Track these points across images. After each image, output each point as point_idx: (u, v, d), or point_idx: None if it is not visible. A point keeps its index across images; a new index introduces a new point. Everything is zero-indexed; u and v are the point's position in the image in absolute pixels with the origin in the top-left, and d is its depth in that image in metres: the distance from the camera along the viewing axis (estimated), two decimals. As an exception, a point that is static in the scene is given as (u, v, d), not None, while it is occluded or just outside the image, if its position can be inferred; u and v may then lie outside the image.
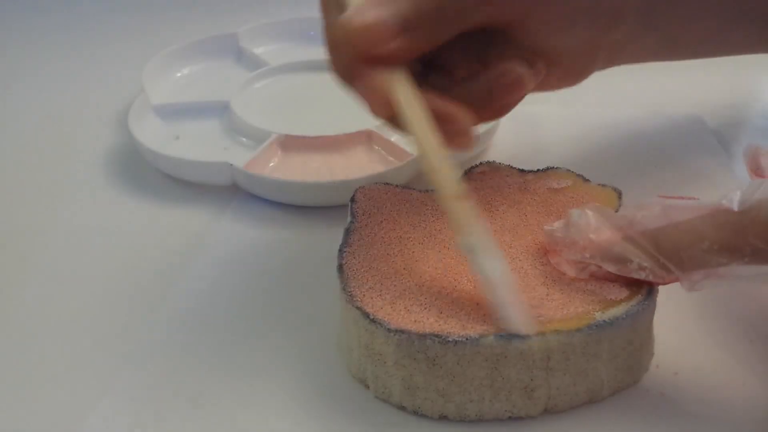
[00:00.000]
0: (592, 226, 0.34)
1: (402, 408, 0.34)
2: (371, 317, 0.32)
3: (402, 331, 0.32)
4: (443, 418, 0.33)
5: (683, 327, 0.37)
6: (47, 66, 0.65)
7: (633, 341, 0.33)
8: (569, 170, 0.42)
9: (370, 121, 0.50)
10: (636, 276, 0.32)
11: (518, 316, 0.32)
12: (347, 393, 0.34)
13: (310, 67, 0.59)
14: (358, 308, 0.33)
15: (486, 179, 0.41)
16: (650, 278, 0.32)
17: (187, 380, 0.35)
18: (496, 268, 0.32)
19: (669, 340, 0.36)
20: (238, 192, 0.47)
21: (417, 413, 0.33)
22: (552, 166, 0.42)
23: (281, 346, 0.37)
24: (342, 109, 0.55)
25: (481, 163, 0.43)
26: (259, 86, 0.57)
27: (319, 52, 0.60)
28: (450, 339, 0.31)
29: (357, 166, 0.49)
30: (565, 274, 0.35)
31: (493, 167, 0.42)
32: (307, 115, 0.55)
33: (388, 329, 0.32)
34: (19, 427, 0.33)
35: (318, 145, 0.50)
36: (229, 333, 0.38)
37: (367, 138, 0.51)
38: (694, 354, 0.36)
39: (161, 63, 0.58)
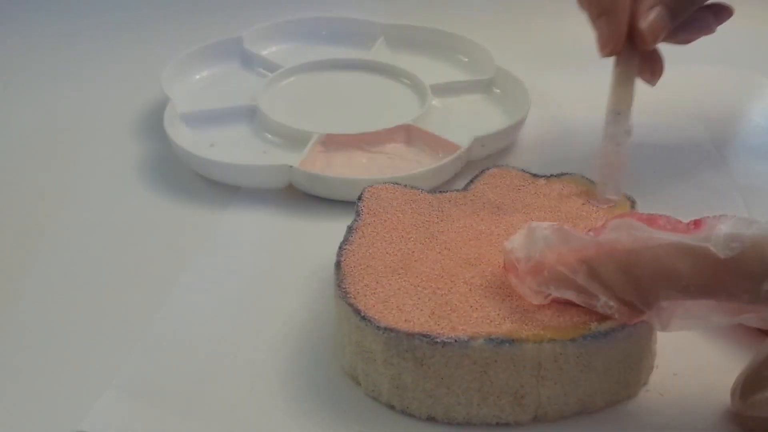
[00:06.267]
0: (555, 251, 0.32)
1: (391, 407, 0.34)
2: (362, 314, 0.33)
3: (391, 330, 0.32)
4: (431, 419, 0.33)
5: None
6: (53, 73, 0.65)
7: (630, 355, 0.33)
8: (584, 177, 0.41)
9: (405, 116, 0.52)
10: (601, 311, 0.32)
11: (615, 182, 0.38)
12: (338, 390, 0.35)
13: (327, 66, 0.60)
14: (349, 305, 0.33)
15: (496, 182, 0.42)
16: (616, 316, 0.32)
17: (185, 374, 0.36)
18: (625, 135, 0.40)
19: (669, 340, 0.36)
20: (238, 191, 0.48)
21: (405, 413, 0.34)
22: (567, 171, 0.42)
23: (279, 342, 0.37)
24: (372, 106, 0.56)
25: (494, 166, 0.43)
26: (280, 88, 0.58)
27: (331, 52, 0.62)
28: (438, 340, 0.31)
29: (402, 159, 0.50)
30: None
31: (505, 170, 0.42)
32: (338, 113, 0.56)
33: (378, 327, 0.32)
34: (21, 419, 0.34)
35: (358, 141, 0.51)
36: (231, 328, 0.38)
37: (405, 132, 0.52)
38: (694, 354, 0.36)
39: (177, 70, 0.58)
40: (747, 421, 0.32)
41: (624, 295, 0.31)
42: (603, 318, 0.32)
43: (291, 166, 0.47)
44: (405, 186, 0.41)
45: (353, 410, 0.34)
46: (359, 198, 0.40)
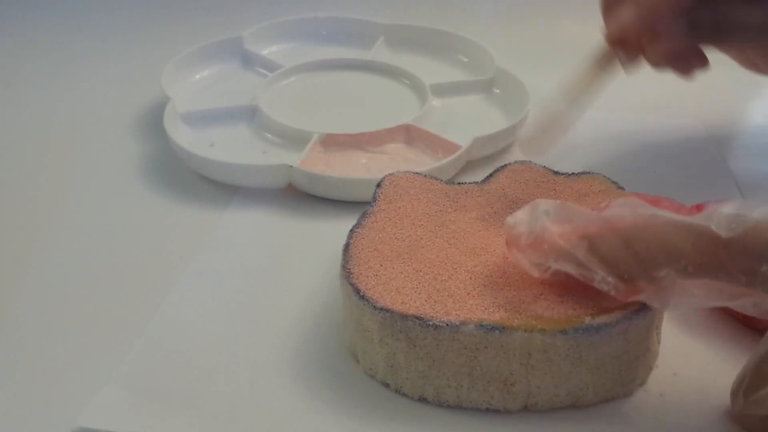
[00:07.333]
0: (558, 225, 0.32)
1: (386, 385, 0.35)
2: (361, 294, 0.34)
3: (386, 310, 0.33)
4: (423, 400, 0.34)
5: (683, 327, 0.38)
6: (53, 73, 0.65)
7: (627, 352, 0.33)
8: (605, 177, 0.41)
9: (405, 116, 0.52)
10: (598, 287, 0.31)
11: (540, 141, 0.35)
12: (338, 366, 0.36)
13: (327, 66, 0.60)
14: (351, 285, 0.34)
15: (516, 177, 0.42)
16: (612, 293, 0.31)
17: (183, 370, 0.36)
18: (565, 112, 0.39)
19: (669, 340, 0.36)
20: (238, 191, 0.48)
21: (399, 392, 0.35)
22: (587, 170, 0.42)
23: (279, 341, 0.38)
24: (372, 106, 0.56)
25: (515, 161, 0.43)
26: (280, 88, 0.58)
27: (331, 52, 0.62)
28: (430, 322, 0.32)
29: (402, 159, 0.50)
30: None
31: (527, 166, 0.43)
32: (338, 113, 0.56)
33: (374, 307, 0.33)
34: (21, 415, 0.34)
35: (358, 141, 0.51)
36: (230, 326, 0.39)
37: (405, 132, 0.52)
38: (694, 354, 0.36)
39: (177, 70, 0.58)
40: (748, 420, 0.32)
41: (623, 271, 0.31)
42: (598, 312, 0.32)
43: (291, 166, 0.47)
44: (425, 176, 0.42)
45: (349, 386, 0.35)
46: (378, 185, 0.41)
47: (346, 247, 0.37)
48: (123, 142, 0.54)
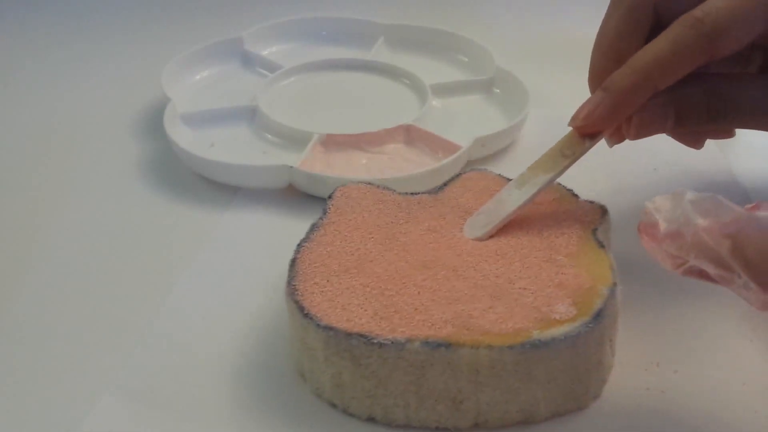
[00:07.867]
0: (703, 218, 0.29)
1: (333, 405, 0.34)
2: (305, 312, 0.33)
3: (330, 328, 0.32)
4: (371, 419, 0.33)
5: (683, 326, 0.38)
6: (53, 73, 0.65)
7: (577, 366, 0.32)
8: (559, 183, 0.40)
9: (405, 116, 0.52)
10: (737, 293, 0.29)
11: (483, 224, 0.35)
12: (286, 385, 0.35)
13: (327, 66, 0.60)
14: (294, 302, 0.34)
15: (470, 186, 0.41)
16: (751, 301, 0.29)
17: (185, 376, 0.36)
18: (515, 200, 0.37)
19: (669, 339, 0.36)
20: (238, 191, 0.48)
21: (346, 412, 0.34)
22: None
23: (280, 342, 0.37)
24: (372, 106, 0.56)
25: (471, 170, 0.43)
26: (280, 88, 0.58)
27: (331, 52, 0.62)
28: (375, 341, 0.31)
29: (402, 160, 0.50)
30: (523, 286, 0.34)
31: (482, 174, 0.42)
32: (338, 113, 0.56)
33: (318, 325, 0.32)
34: (21, 421, 0.34)
35: (358, 142, 0.51)
36: (231, 328, 0.38)
37: (405, 132, 0.52)
38: (694, 353, 0.36)
39: (177, 70, 0.58)
40: None
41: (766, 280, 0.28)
42: (547, 326, 0.32)
43: (291, 167, 0.47)
44: (378, 186, 0.41)
45: (295, 406, 0.34)
46: (329, 197, 0.40)
47: (292, 263, 0.35)
48: (123, 142, 0.54)
